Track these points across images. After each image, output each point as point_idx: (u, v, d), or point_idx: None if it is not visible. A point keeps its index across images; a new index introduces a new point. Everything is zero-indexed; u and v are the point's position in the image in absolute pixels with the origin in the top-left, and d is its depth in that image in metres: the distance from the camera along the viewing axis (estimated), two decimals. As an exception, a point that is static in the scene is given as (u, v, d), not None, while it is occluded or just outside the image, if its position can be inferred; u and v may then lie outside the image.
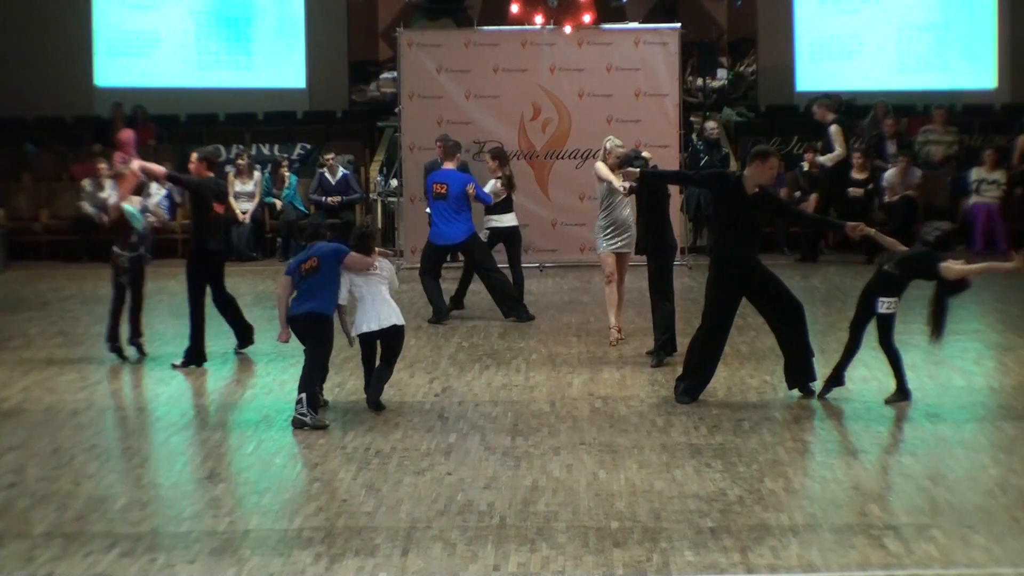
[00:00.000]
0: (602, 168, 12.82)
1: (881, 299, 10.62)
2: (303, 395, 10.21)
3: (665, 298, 12.32)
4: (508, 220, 15.14)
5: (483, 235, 15.10)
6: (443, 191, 14.76)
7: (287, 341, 10.77)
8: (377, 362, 10.81)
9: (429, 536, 7.70)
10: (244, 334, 13.19)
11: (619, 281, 13.09)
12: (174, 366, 12.53)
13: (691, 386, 10.83)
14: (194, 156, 13.01)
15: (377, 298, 10.66)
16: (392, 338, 10.73)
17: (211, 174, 12.97)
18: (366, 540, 7.64)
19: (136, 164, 12.85)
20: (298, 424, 10.14)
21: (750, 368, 11.70)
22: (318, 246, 10.69)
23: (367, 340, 10.78)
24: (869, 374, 11.40)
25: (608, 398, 11.06)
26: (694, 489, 8.51)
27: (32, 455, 9.55)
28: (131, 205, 12.82)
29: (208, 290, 12.86)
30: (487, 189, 14.94)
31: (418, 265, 15.27)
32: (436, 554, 7.43)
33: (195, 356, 12.62)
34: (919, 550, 7.40)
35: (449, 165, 15.18)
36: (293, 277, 10.54)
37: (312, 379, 10.37)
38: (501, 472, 8.96)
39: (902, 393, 10.71)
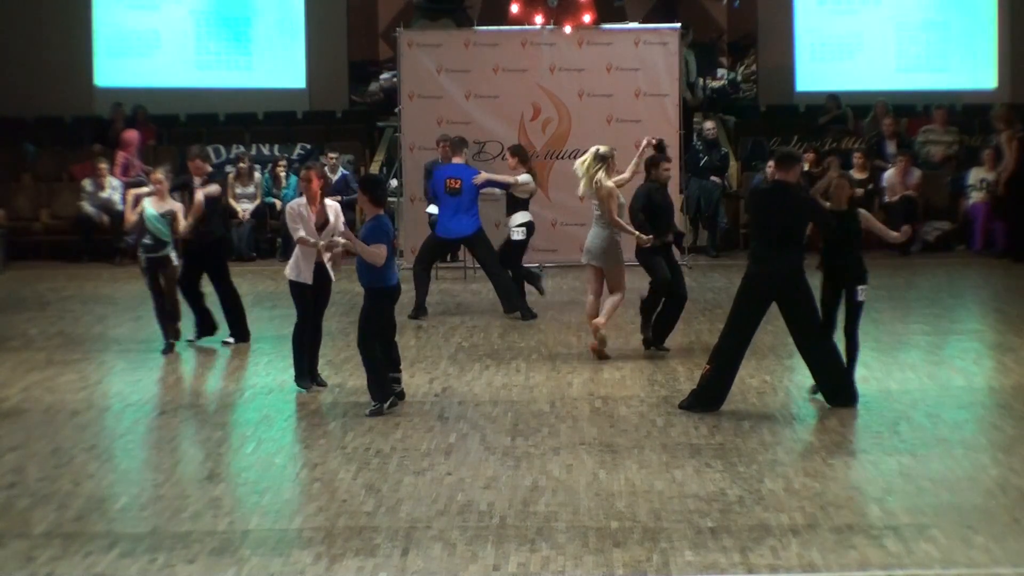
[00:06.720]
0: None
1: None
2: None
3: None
4: (528, 216, 15.36)
5: (519, 233, 15.12)
6: (457, 186, 14.83)
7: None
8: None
9: (429, 536, 7.70)
10: (207, 324, 13.55)
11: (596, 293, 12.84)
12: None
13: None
14: (194, 153, 13.54)
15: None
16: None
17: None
18: (366, 540, 7.65)
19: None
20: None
21: (750, 368, 11.69)
22: None
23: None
24: (869, 374, 11.40)
25: (608, 398, 11.06)
26: (694, 489, 8.51)
27: (32, 455, 9.56)
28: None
29: (183, 278, 13.31)
30: (522, 179, 15.04)
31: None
32: (436, 554, 7.43)
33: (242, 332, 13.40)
34: (919, 550, 7.40)
35: (458, 160, 15.25)
36: None
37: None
38: (501, 472, 8.96)
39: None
